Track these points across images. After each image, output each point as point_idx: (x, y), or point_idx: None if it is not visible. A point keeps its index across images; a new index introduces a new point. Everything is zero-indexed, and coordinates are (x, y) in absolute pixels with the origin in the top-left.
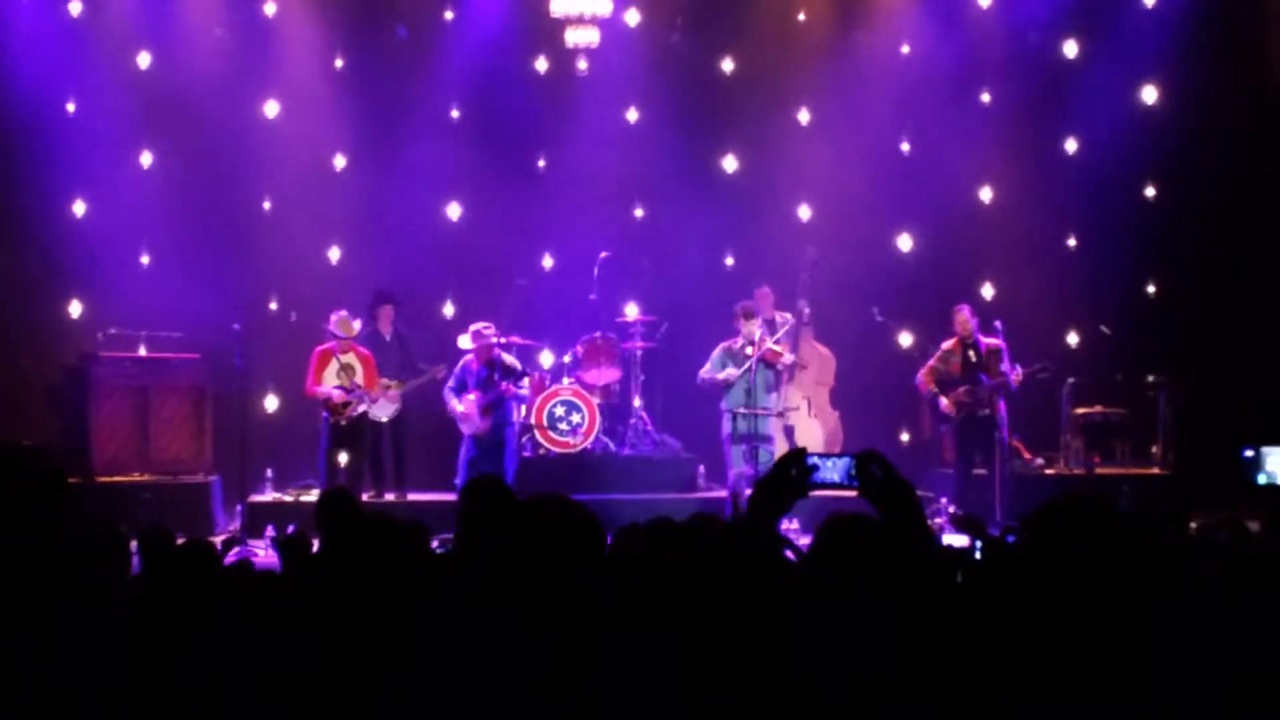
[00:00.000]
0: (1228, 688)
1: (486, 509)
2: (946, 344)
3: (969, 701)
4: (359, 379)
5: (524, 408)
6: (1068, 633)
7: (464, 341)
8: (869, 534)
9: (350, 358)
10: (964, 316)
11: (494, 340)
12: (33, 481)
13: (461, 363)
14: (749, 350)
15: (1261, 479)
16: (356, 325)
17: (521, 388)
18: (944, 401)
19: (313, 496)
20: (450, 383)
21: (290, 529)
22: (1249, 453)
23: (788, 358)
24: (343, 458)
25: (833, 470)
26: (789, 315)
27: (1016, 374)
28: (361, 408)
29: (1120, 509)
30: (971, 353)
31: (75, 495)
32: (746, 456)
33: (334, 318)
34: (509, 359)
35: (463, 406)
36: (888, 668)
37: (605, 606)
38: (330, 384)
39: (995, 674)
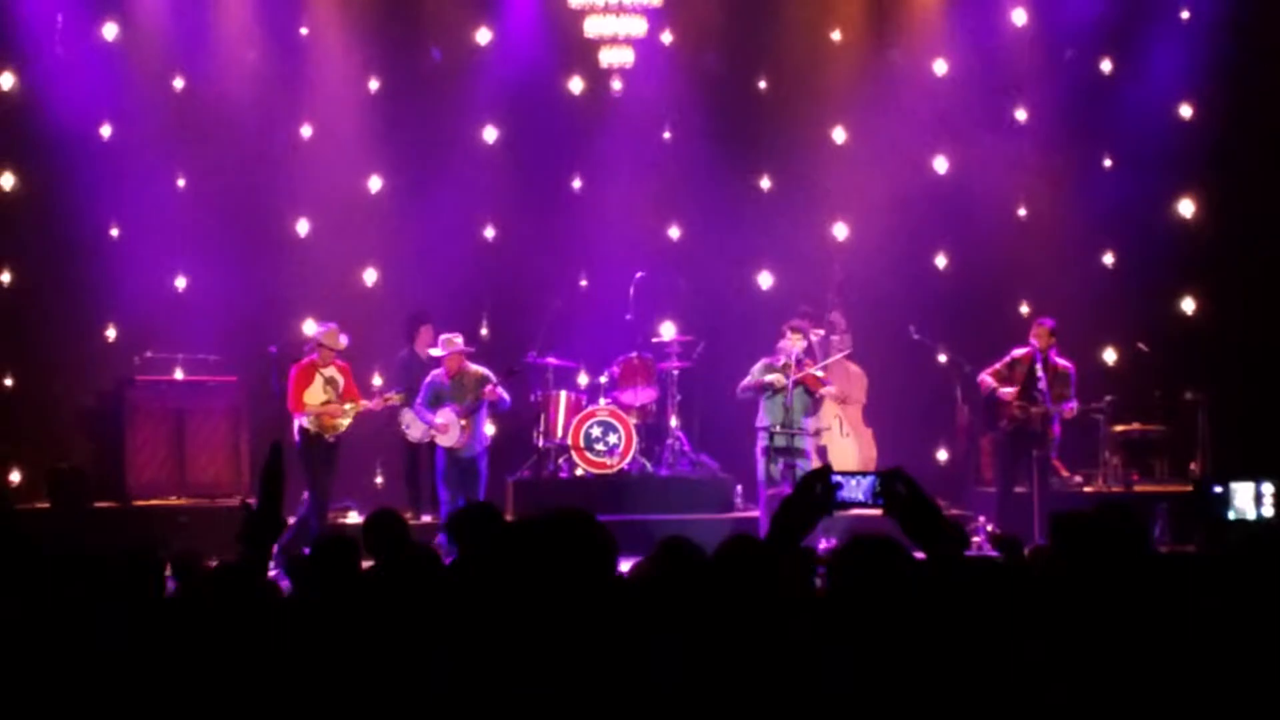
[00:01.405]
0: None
1: (482, 536)
2: (1019, 352)
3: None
4: (341, 391)
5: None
6: (1085, 643)
7: (435, 351)
8: (889, 556)
9: (332, 371)
10: (1042, 331)
11: (463, 350)
12: None
13: (430, 378)
14: (792, 368)
15: (1231, 515)
16: (344, 340)
17: (497, 387)
18: (1005, 391)
19: (352, 519)
20: (419, 400)
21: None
22: (1218, 489)
23: (827, 390)
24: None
25: (857, 489)
26: (821, 331)
27: (1071, 407)
28: (351, 421)
29: (1156, 526)
30: (1039, 368)
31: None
32: (784, 475)
33: (321, 329)
34: (479, 369)
35: (442, 419)
36: (898, 679)
37: (618, 617)
38: (318, 398)
39: (1008, 682)
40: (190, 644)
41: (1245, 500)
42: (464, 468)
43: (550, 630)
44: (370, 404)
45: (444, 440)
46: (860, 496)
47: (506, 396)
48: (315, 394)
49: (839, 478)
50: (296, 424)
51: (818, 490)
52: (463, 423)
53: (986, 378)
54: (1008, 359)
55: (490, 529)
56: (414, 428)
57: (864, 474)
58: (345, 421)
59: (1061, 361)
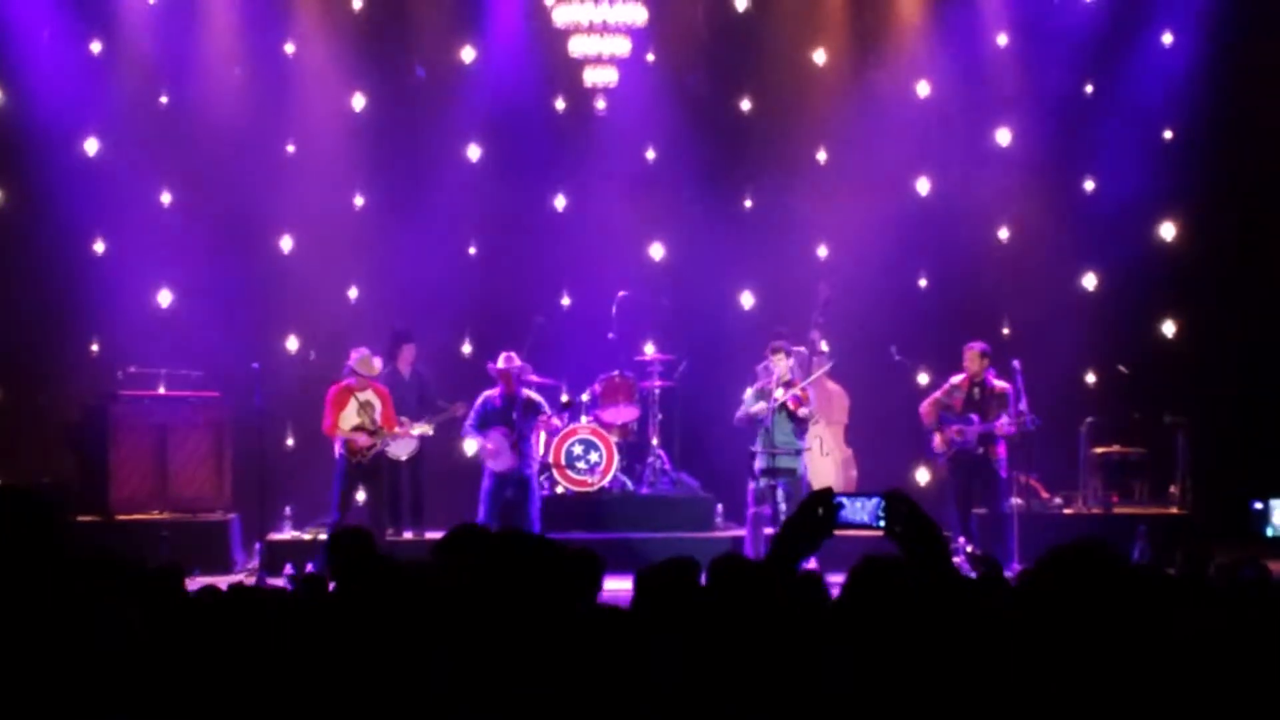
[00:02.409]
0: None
1: (466, 559)
2: (956, 378)
3: None
4: (378, 416)
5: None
6: (1069, 674)
7: (500, 361)
8: (900, 577)
9: (369, 395)
10: (973, 354)
11: (520, 370)
12: (25, 521)
13: (482, 398)
14: (778, 391)
15: (1270, 532)
16: (377, 364)
17: (553, 417)
18: (936, 439)
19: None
20: (470, 419)
21: (310, 567)
22: (1258, 505)
23: (804, 411)
24: (360, 495)
25: (861, 511)
26: (803, 348)
27: (1003, 422)
28: (380, 446)
29: (1135, 552)
30: (976, 391)
31: (77, 531)
32: (766, 496)
33: (355, 355)
34: (534, 395)
35: (491, 443)
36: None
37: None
38: (351, 422)
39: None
40: (181, 649)
41: None
42: (514, 489)
43: (530, 645)
44: (399, 432)
45: (495, 464)
46: (864, 519)
47: (559, 424)
48: (349, 417)
49: (841, 499)
50: (336, 446)
51: (819, 512)
52: (512, 445)
53: (927, 416)
54: (947, 386)
55: (479, 550)
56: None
57: (867, 496)
58: (372, 445)
59: (999, 383)
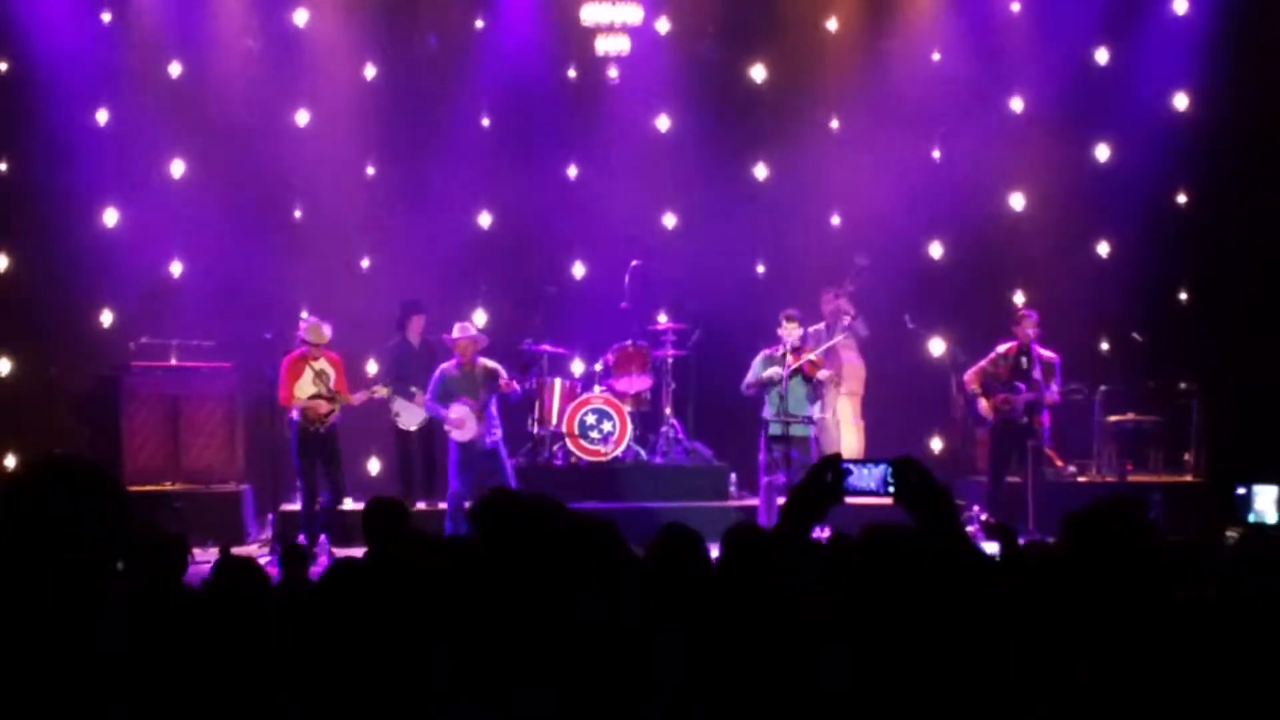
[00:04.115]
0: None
1: (505, 528)
2: (1002, 347)
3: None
4: (332, 384)
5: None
6: (1092, 636)
7: (455, 332)
8: (907, 544)
9: (323, 363)
10: (1030, 322)
11: (478, 339)
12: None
13: (439, 371)
14: (789, 357)
15: (1251, 517)
16: (326, 331)
17: (511, 381)
18: (982, 404)
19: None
20: (429, 393)
21: (322, 539)
22: (1240, 490)
23: (823, 374)
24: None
25: (869, 477)
26: (846, 311)
27: (1051, 392)
28: (338, 413)
29: (1151, 517)
30: (1024, 360)
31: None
32: (780, 464)
33: (304, 324)
34: (488, 362)
35: (455, 413)
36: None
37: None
38: (307, 391)
39: (1016, 676)
40: (175, 633)
41: (1267, 503)
42: (485, 460)
43: (563, 624)
44: (353, 399)
45: (460, 435)
46: (872, 485)
47: (519, 388)
48: (305, 387)
49: (849, 465)
50: (289, 417)
51: (828, 478)
52: (477, 415)
53: (971, 382)
54: (992, 355)
55: (515, 517)
56: (405, 416)
57: (875, 462)
58: (331, 412)
59: (1046, 353)
